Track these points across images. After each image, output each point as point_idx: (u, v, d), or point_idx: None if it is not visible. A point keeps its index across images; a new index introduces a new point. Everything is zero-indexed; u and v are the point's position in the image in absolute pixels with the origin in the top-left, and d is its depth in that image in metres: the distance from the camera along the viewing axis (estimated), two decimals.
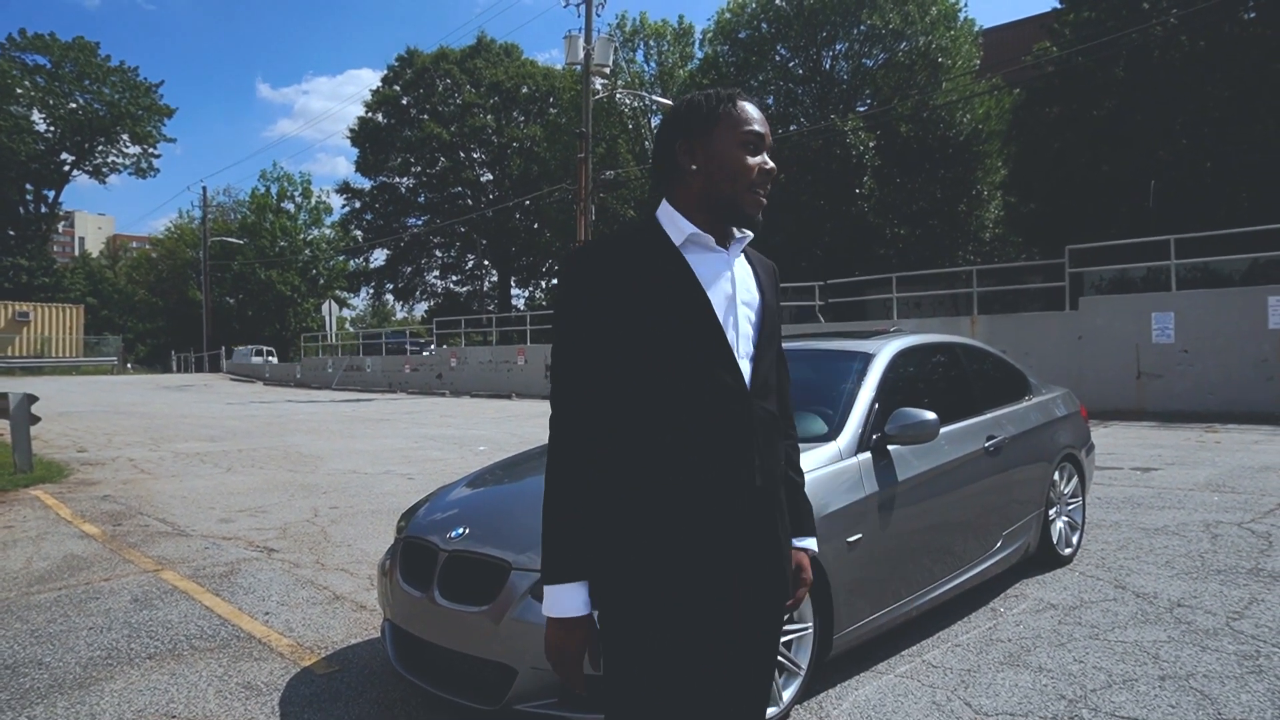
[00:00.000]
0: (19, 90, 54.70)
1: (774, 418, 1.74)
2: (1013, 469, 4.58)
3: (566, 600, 1.61)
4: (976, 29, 29.30)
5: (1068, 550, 5.15)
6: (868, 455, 3.67)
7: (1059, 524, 5.14)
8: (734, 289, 1.69)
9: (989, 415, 4.64)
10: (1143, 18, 21.01)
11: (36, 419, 9.89)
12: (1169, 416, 13.13)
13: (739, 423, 1.65)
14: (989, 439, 4.42)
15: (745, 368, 1.67)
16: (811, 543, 1.93)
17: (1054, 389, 5.75)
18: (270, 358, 45.41)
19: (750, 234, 1.76)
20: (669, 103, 33.23)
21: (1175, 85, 21.08)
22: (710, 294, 1.66)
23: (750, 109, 1.73)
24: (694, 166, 1.69)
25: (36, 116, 56.30)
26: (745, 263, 1.77)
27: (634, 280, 1.63)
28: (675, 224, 1.69)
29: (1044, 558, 4.98)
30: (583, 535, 1.62)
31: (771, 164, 1.72)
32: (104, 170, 60.94)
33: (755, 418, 1.67)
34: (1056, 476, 5.12)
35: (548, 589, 1.62)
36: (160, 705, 3.40)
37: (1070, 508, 5.31)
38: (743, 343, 1.68)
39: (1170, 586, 4.59)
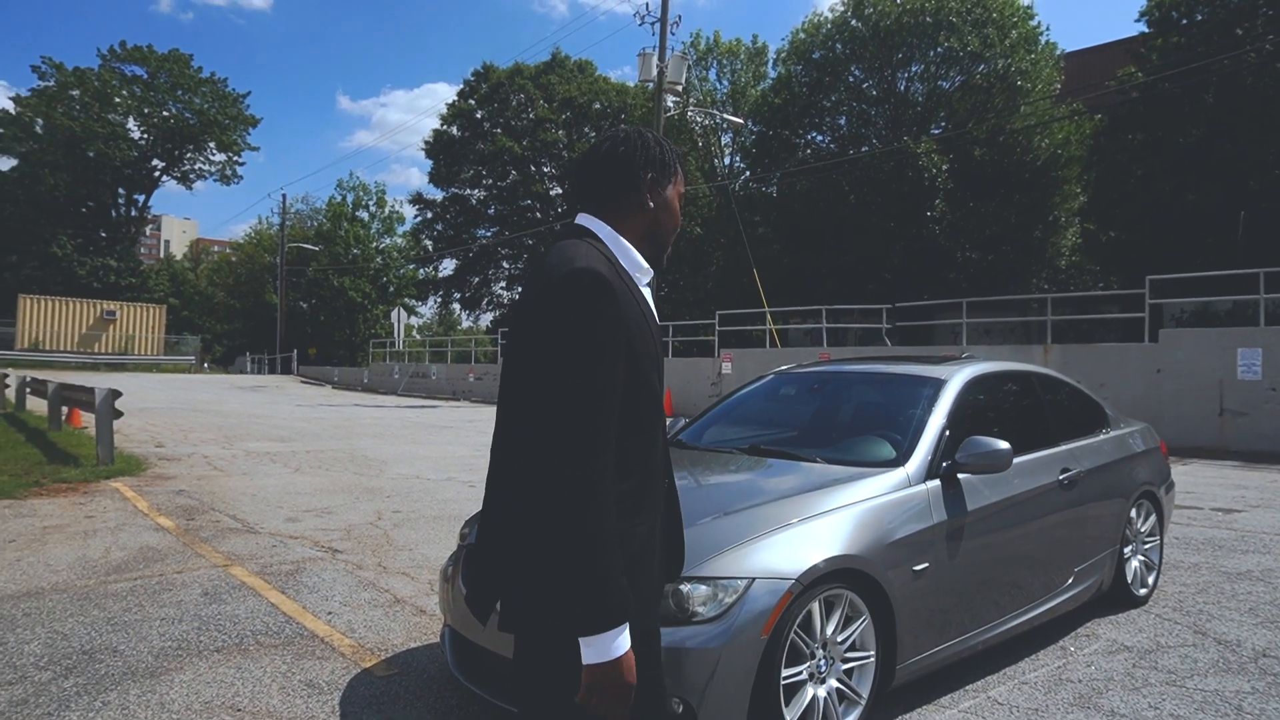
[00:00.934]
0: (117, 99, 57.34)
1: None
2: (1087, 504, 4.44)
3: (625, 639, 1.59)
4: (1058, 53, 28.65)
5: (1143, 591, 4.96)
6: (937, 483, 3.59)
7: (1134, 563, 4.95)
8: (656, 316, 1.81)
9: (1064, 447, 4.50)
10: (1235, 44, 20.33)
11: (119, 414, 10.27)
12: (1254, 456, 12.58)
13: (662, 450, 1.81)
14: (1063, 472, 4.29)
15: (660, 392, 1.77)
16: None
17: (1132, 423, 5.56)
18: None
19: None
20: (739, 121, 33.31)
21: (1268, 113, 20.32)
22: (650, 324, 1.75)
23: (682, 172, 1.93)
24: (652, 204, 1.81)
25: (132, 124, 58.94)
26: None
27: (633, 312, 1.67)
28: (631, 257, 1.77)
29: (1117, 597, 4.81)
30: (622, 576, 1.60)
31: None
32: (191, 176, 63.42)
33: (666, 452, 1.87)
34: (1133, 513, 4.94)
35: (608, 634, 1.56)
36: (226, 698, 3.49)
37: (1147, 547, 5.12)
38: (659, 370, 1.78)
39: (1254, 635, 4.38)
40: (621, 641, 1.58)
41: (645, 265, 1.79)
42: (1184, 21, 22.53)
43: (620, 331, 1.61)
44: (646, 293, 1.79)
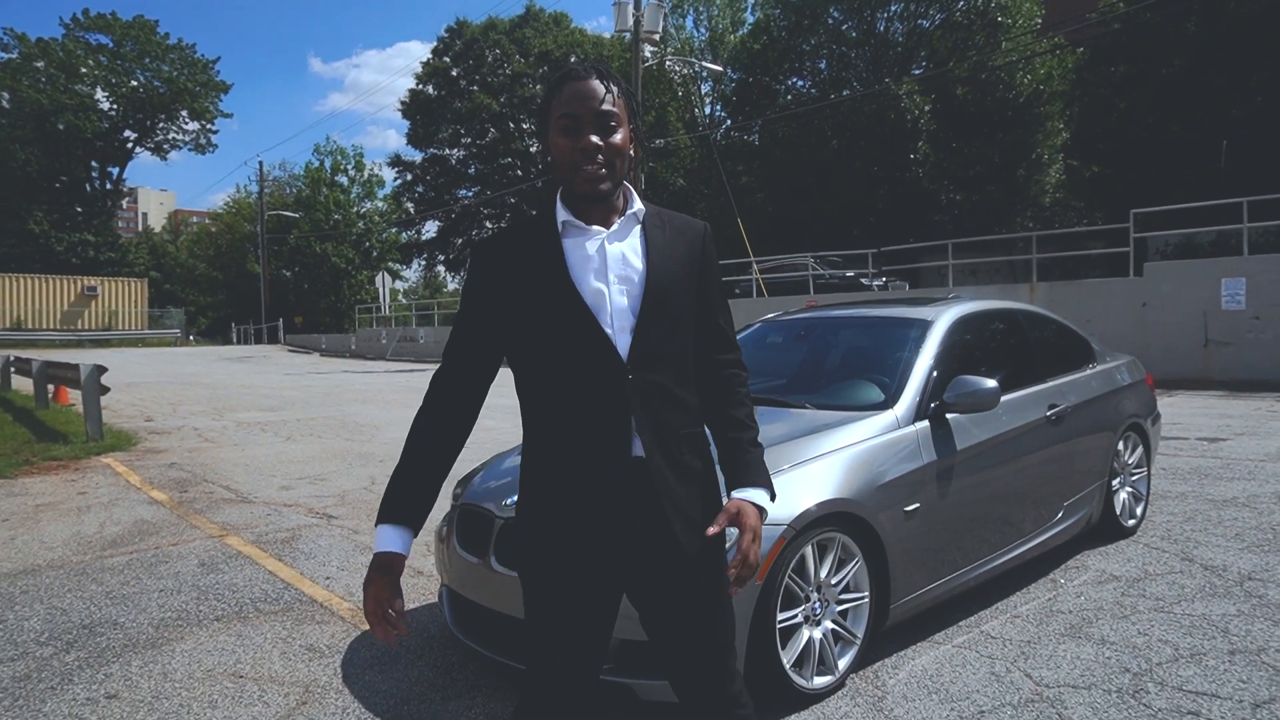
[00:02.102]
0: (84, 70, 56.12)
1: (660, 388, 1.76)
2: (1075, 438, 4.47)
3: (382, 539, 1.75)
4: None
5: (1131, 521, 5.03)
6: (926, 424, 3.61)
7: (1123, 495, 5.01)
8: (608, 267, 1.75)
9: (1051, 383, 4.52)
10: None
11: (106, 389, 10.22)
12: (1238, 386, 12.70)
13: (611, 396, 1.73)
14: (1051, 408, 4.31)
15: (622, 341, 1.73)
16: (753, 493, 1.83)
17: (1118, 357, 5.58)
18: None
19: (638, 208, 1.81)
20: (719, 69, 32.88)
21: (1252, 40, 20.16)
22: (578, 275, 1.74)
23: (571, 87, 1.74)
24: (549, 159, 1.79)
25: (100, 95, 57.78)
26: (637, 236, 1.81)
27: (517, 267, 1.77)
28: (557, 212, 1.79)
29: (1107, 529, 4.87)
30: (411, 485, 1.81)
31: (585, 139, 1.71)
32: (165, 146, 62.42)
33: (633, 390, 1.73)
34: (1121, 446, 4.99)
35: (376, 528, 1.77)
36: (228, 665, 3.51)
37: (1135, 478, 5.18)
38: (618, 317, 1.74)
39: (1240, 559, 4.45)
40: (379, 540, 1.76)
41: (564, 216, 1.78)
42: None
43: (475, 282, 1.82)
44: (579, 239, 1.77)
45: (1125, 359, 5.61)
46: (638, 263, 1.78)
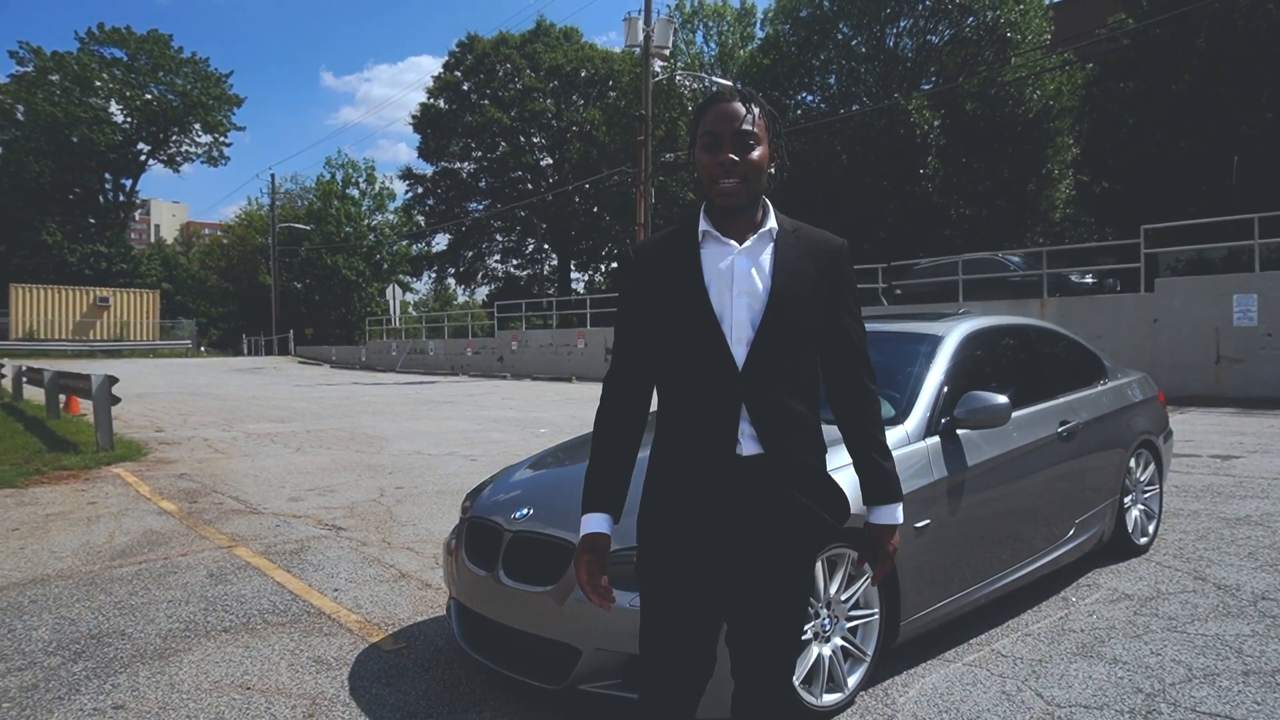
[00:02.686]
0: (98, 83, 56.67)
1: (772, 398, 1.86)
2: (1086, 455, 4.45)
3: (588, 524, 1.97)
4: (1048, 2, 28.34)
5: (1143, 539, 4.99)
6: (936, 439, 3.59)
7: (1134, 512, 4.98)
8: (734, 280, 1.86)
9: (1062, 400, 4.50)
10: None
11: (117, 400, 10.27)
12: (1250, 402, 12.62)
13: (724, 401, 1.85)
14: (1062, 424, 4.29)
15: (739, 351, 1.85)
16: (887, 511, 2.01)
17: (1130, 373, 5.56)
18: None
19: (770, 226, 1.91)
20: (729, 84, 32.97)
21: (1262, 55, 20.12)
22: (711, 285, 1.87)
23: (716, 108, 1.90)
24: (696, 174, 1.94)
25: (114, 108, 58.29)
26: (768, 253, 1.90)
27: (660, 271, 1.92)
28: (699, 222, 1.93)
29: (1118, 547, 4.84)
30: (606, 477, 1.98)
31: (723, 155, 1.85)
32: (178, 159, 62.88)
33: (744, 397, 1.85)
34: (1132, 463, 4.96)
35: (582, 517, 1.99)
36: (235, 676, 3.51)
37: (1146, 496, 5.14)
38: (738, 329, 1.85)
39: (1254, 579, 4.41)
40: (584, 526, 1.98)
41: (705, 227, 1.91)
42: None
43: (629, 287, 1.98)
44: (715, 250, 1.90)
45: (1137, 375, 5.58)
46: (763, 279, 1.87)
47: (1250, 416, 11.27)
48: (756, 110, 1.88)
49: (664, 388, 1.96)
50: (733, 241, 1.89)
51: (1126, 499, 4.89)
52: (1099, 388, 4.96)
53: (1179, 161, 21.90)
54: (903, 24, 29.75)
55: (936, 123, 25.94)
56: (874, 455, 2.00)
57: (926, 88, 28.80)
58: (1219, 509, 5.99)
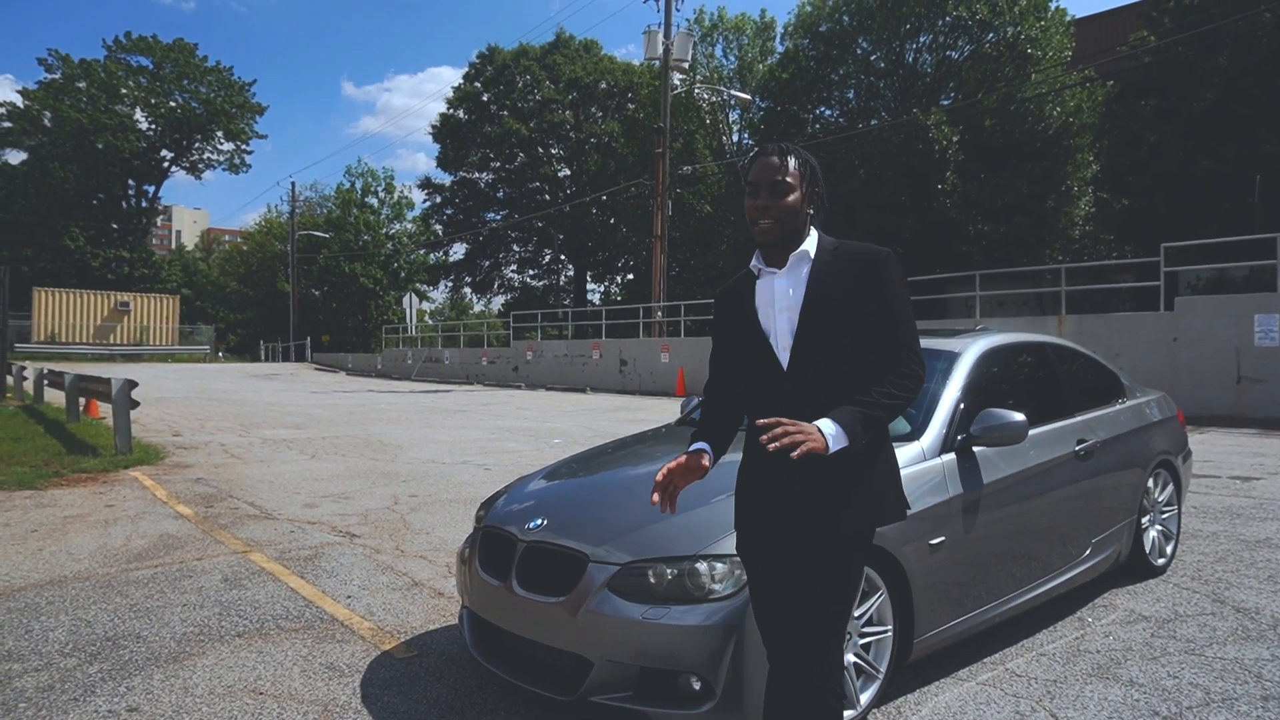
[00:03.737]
0: (124, 90, 57.49)
1: (814, 392, 2.20)
2: (1104, 474, 4.41)
3: (694, 445, 2.39)
4: (1068, 19, 28.24)
5: (1161, 560, 4.94)
6: (952, 456, 3.57)
7: (1152, 533, 4.93)
8: (775, 299, 2.27)
9: (1080, 418, 4.47)
10: (1249, 4, 19.98)
11: (136, 404, 10.36)
12: (1272, 424, 12.48)
13: (775, 396, 2.24)
14: (1079, 443, 4.26)
15: (783, 355, 2.24)
16: (824, 423, 2.11)
17: (1149, 392, 5.51)
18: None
19: (803, 250, 2.27)
20: (747, 97, 33.06)
21: None
22: (760, 307, 2.31)
23: (757, 162, 2.28)
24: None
25: (139, 115, 59.11)
26: (804, 272, 2.26)
27: (730, 303, 2.42)
28: (753, 260, 2.37)
29: (1135, 567, 4.79)
30: (712, 429, 2.45)
31: (760, 200, 2.25)
32: (200, 166, 63.66)
33: (790, 392, 2.22)
34: (1150, 483, 4.92)
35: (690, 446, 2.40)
36: (249, 681, 3.53)
37: (1164, 516, 5.09)
38: (781, 338, 2.25)
39: (1274, 602, 4.36)
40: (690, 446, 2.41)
41: (754, 263, 2.35)
42: None
43: (715, 313, 2.51)
44: (765, 280, 2.32)
45: (1155, 394, 5.54)
46: (798, 294, 2.24)
47: (1271, 438, 11.14)
48: (792, 161, 2.24)
49: (744, 395, 2.38)
50: (775, 269, 2.29)
51: (1144, 519, 4.84)
52: (1117, 406, 4.92)
53: (1200, 179, 21.77)
54: (922, 39, 29.75)
55: (955, 138, 25.89)
56: (855, 396, 2.16)
57: (946, 103, 28.76)
58: (1238, 531, 5.92)
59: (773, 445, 2.04)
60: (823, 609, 2.17)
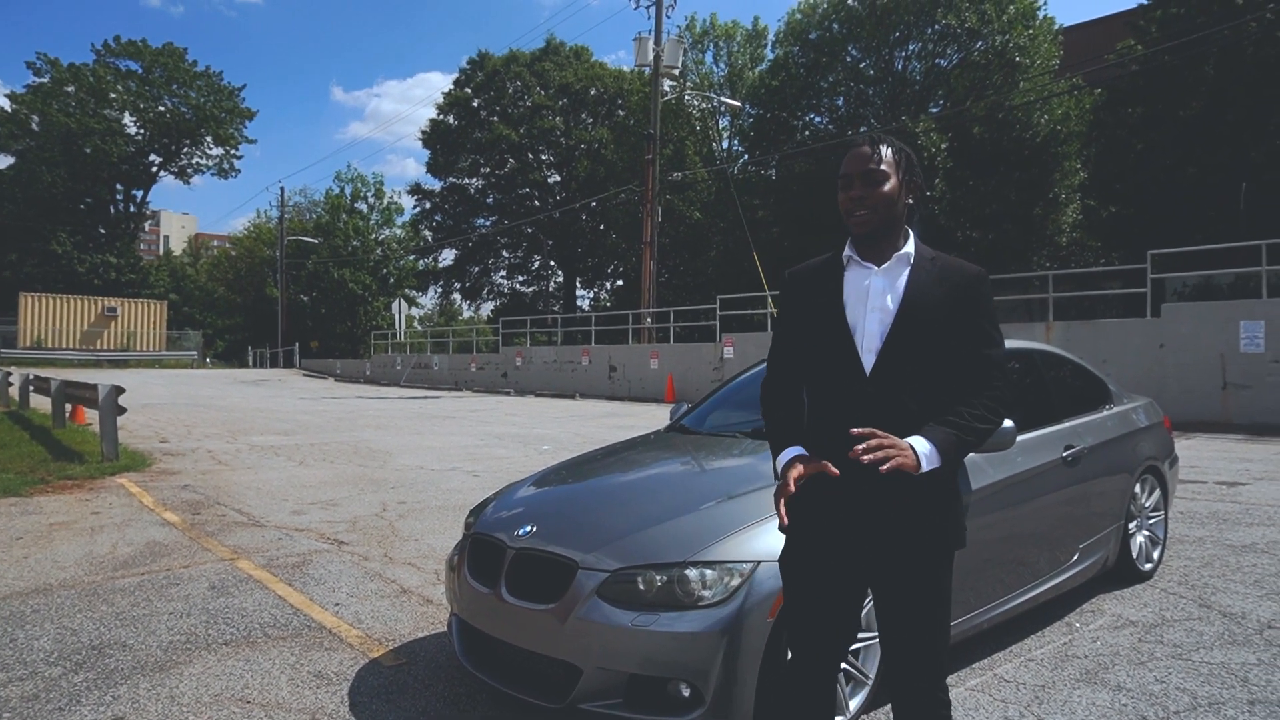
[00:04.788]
0: (112, 95, 57.21)
1: (896, 402, 2.10)
2: (1091, 480, 4.43)
3: (787, 453, 2.22)
4: (1056, 27, 28.46)
5: (1148, 565, 4.97)
6: None
7: (1139, 538, 4.96)
8: (869, 297, 2.15)
9: (1067, 424, 4.49)
10: (1235, 13, 20.17)
11: (122, 410, 10.29)
12: (1257, 429, 12.57)
13: (853, 402, 2.12)
14: (1067, 448, 4.28)
15: (868, 359, 2.12)
16: (917, 439, 2.04)
17: (1135, 398, 5.55)
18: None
19: (905, 251, 2.18)
20: (737, 104, 33.15)
21: (1270, 82, 20.18)
22: (849, 302, 2.18)
23: (849, 153, 2.21)
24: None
25: (128, 119, 58.84)
26: (903, 276, 2.17)
27: (809, 291, 2.27)
28: (845, 249, 2.25)
29: (1123, 573, 4.82)
30: (782, 430, 2.28)
31: (854, 191, 2.17)
32: (189, 171, 63.35)
33: (872, 399, 2.11)
34: (1137, 489, 4.94)
35: (778, 455, 2.26)
36: (236, 690, 3.50)
37: (1151, 522, 5.12)
38: (868, 339, 2.13)
39: (1260, 607, 4.39)
40: (779, 459, 2.24)
41: (847, 253, 2.23)
42: None
43: (781, 303, 2.34)
44: (856, 272, 2.21)
45: (1142, 400, 5.57)
46: (895, 298, 2.14)
47: (1257, 443, 11.22)
48: (885, 149, 2.17)
49: (809, 392, 2.28)
50: (872, 265, 2.18)
51: (1131, 525, 4.87)
52: (1104, 413, 4.95)
53: (1187, 187, 21.92)
54: (911, 47, 29.94)
55: (944, 145, 26.04)
56: (947, 416, 2.09)
57: (934, 111, 28.93)
58: (1225, 536, 5.96)
59: (867, 456, 1.97)
60: (921, 630, 2.13)
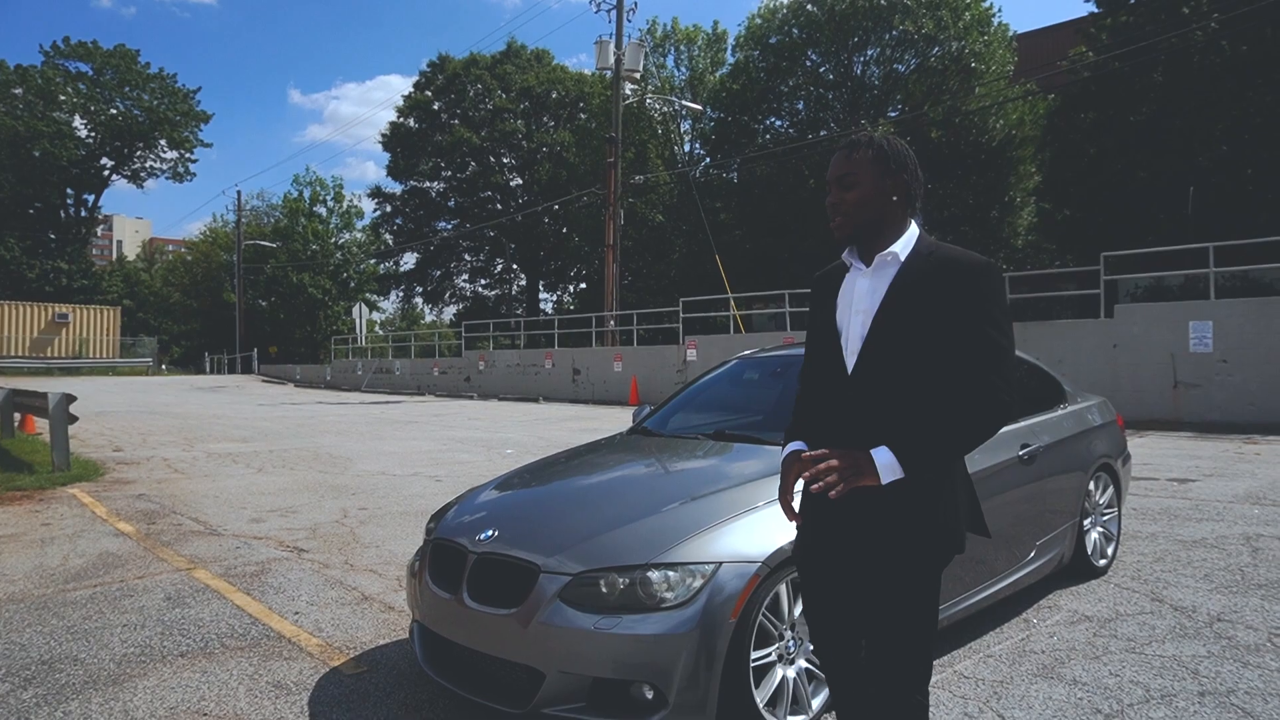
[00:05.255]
0: (62, 97, 55.91)
1: (877, 400, 2.09)
2: (1047, 478, 4.51)
3: (790, 447, 2.29)
4: (1010, 34, 29.00)
5: (1103, 561, 5.06)
6: None
7: (1094, 535, 5.05)
8: (854, 299, 2.18)
9: (1023, 423, 4.56)
10: (1182, 22, 20.69)
11: (74, 419, 10.06)
12: (1206, 427, 12.89)
13: (838, 400, 2.18)
14: (1023, 447, 4.35)
15: (850, 359, 2.14)
16: (881, 451, 2.01)
17: (1089, 397, 5.65)
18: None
19: (891, 251, 2.14)
20: (698, 107, 33.31)
21: (1216, 90, 20.72)
22: (840, 303, 2.23)
23: (832, 159, 2.25)
24: None
25: (78, 122, 57.52)
26: (888, 275, 2.15)
27: (820, 294, 2.34)
28: (844, 253, 2.28)
29: (1078, 569, 4.90)
30: (800, 429, 2.33)
31: (831, 197, 2.22)
32: (142, 175, 62.11)
33: (849, 399, 2.14)
34: (1092, 486, 5.04)
35: (784, 446, 2.33)
36: (192, 703, 3.44)
37: (1105, 518, 5.22)
38: (851, 341, 2.16)
39: (1209, 600, 4.49)
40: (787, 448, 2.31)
41: (843, 255, 2.27)
42: (1132, 0, 22.87)
43: (810, 305, 2.41)
44: (852, 274, 2.23)
45: (1096, 400, 5.68)
46: (876, 297, 2.13)
47: (1206, 441, 11.50)
48: (861, 152, 2.17)
49: (802, 390, 2.40)
50: (863, 266, 2.20)
51: (1086, 521, 4.96)
52: (1059, 411, 5.04)
53: (1138, 191, 22.42)
54: (870, 53, 30.30)
55: None
56: (925, 421, 2.02)
57: (893, 115, 29.31)
58: (1176, 531, 6.10)
59: (814, 487, 2.00)
60: (898, 639, 2.10)
